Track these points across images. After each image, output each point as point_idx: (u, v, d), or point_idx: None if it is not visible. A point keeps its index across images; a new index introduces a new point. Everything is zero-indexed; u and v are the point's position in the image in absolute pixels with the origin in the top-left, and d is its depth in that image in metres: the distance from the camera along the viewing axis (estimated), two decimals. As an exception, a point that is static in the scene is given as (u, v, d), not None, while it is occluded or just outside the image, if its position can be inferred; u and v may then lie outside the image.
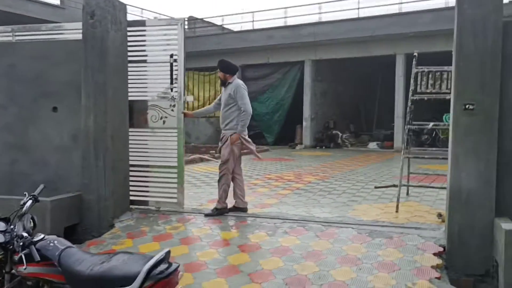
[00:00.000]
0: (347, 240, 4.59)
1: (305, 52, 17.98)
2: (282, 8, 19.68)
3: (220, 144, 5.79)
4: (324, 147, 18.15)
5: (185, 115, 5.80)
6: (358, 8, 17.34)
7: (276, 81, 19.17)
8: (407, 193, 6.72)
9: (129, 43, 5.68)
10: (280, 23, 19.40)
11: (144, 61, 5.80)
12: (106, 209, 5.34)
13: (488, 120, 4.07)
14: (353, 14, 17.45)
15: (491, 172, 4.08)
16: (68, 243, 2.96)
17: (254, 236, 4.82)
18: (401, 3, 17.04)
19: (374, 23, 16.18)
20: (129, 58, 5.68)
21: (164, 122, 5.72)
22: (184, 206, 5.83)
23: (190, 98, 6.07)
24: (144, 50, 5.79)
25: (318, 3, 18.58)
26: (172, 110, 5.69)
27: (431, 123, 5.93)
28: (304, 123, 18.59)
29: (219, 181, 5.73)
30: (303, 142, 18.56)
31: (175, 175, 5.72)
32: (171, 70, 5.61)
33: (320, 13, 18.59)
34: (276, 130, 19.09)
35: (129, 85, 5.70)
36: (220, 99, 5.94)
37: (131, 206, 5.77)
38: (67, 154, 5.61)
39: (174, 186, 5.74)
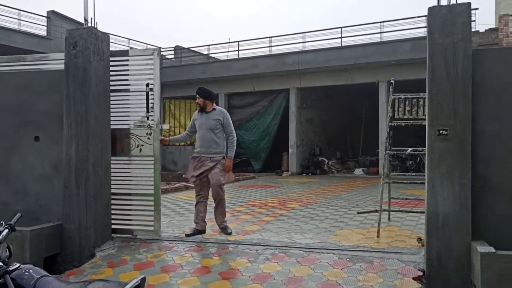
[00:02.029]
0: (328, 265, 4.61)
1: (290, 80, 18.26)
2: (267, 37, 19.92)
3: (201, 166, 5.96)
4: (310, 174, 18.24)
5: (161, 141, 5.90)
6: (341, 37, 17.72)
7: (262, 109, 19.35)
8: (389, 218, 6.78)
9: (110, 73, 5.76)
10: (265, 52, 19.70)
11: (125, 90, 5.86)
12: (87, 238, 5.30)
13: (461, 145, 4.17)
14: (336, 43, 17.82)
15: (466, 196, 4.16)
16: (44, 272, 2.94)
17: (236, 263, 4.81)
18: (383, 32, 17.46)
19: (357, 51, 16.54)
20: (111, 88, 5.75)
21: (140, 150, 5.78)
22: (161, 234, 5.84)
23: (166, 126, 6.23)
24: (125, 80, 5.86)
25: (302, 33, 18.96)
26: (149, 138, 5.76)
27: (410, 149, 6.04)
28: (290, 150, 18.70)
29: (219, 205, 6.04)
30: (289, 169, 18.63)
31: (152, 203, 5.73)
32: (147, 99, 5.69)
33: (304, 42, 18.94)
34: (262, 158, 19.17)
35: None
36: (193, 127, 6.18)
37: (112, 235, 5.74)
38: (48, 183, 5.60)
39: (150, 213, 5.75)
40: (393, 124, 5.89)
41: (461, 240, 4.16)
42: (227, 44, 21.73)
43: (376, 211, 6.08)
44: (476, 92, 4.21)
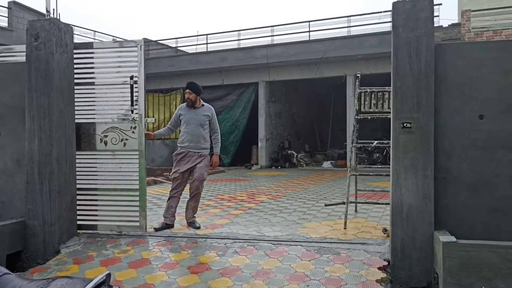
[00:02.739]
0: (296, 257, 4.66)
1: (259, 73, 18.27)
2: (235, 30, 19.85)
3: (188, 162, 5.97)
4: (279, 167, 18.34)
5: (146, 136, 5.78)
6: (309, 31, 17.82)
7: (231, 102, 19.30)
8: (356, 210, 6.90)
9: (77, 66, 5.62)
10: (233, 45, 19.63)
11: (93, 83, 5.72)
12: (52, 234, 5.19)
13: (424, 137, 4.27)
14: (304, 37, 17.93)
15: (429, 187, 4.27)
16: (5, 270, 2.85)
17: (204, 257, 4.80)
18: (350, 26, 17.65)
19: (325, 45, 16.67)
20: (78, 81, 5.62)
21: (124, 144, 5.66)
22: (147, 229, 5.75)
23: (150, 120, 6.04)
24: (93, 72, 5.72)
25: (271, 26, 18.98)
26: (133, 132, 5.64)
27: (375, 141, 6.15)
28: (259, 144, 18.76)
29: (193, 199, 6.07)
30: (259, 162, 18.69)
31: (137, 198, 5.63)
32: (132, 92, 5.57)
33: (272, 35, 18.97)
34: (232, 151, 19.14)
35: (78, 108, 5.64)
36: (177, 121, 6.18)
37: (78, 231, 5.64)
38: (10, 179, 5.44)
39: (136, 209, 5.64)
40: (359, 117, 5.98)
41: (424, 230, 4.27)
42: (196, 37, 21.54)
43: (343, 203, 6.18)
44: (439, 86, 4.31)
